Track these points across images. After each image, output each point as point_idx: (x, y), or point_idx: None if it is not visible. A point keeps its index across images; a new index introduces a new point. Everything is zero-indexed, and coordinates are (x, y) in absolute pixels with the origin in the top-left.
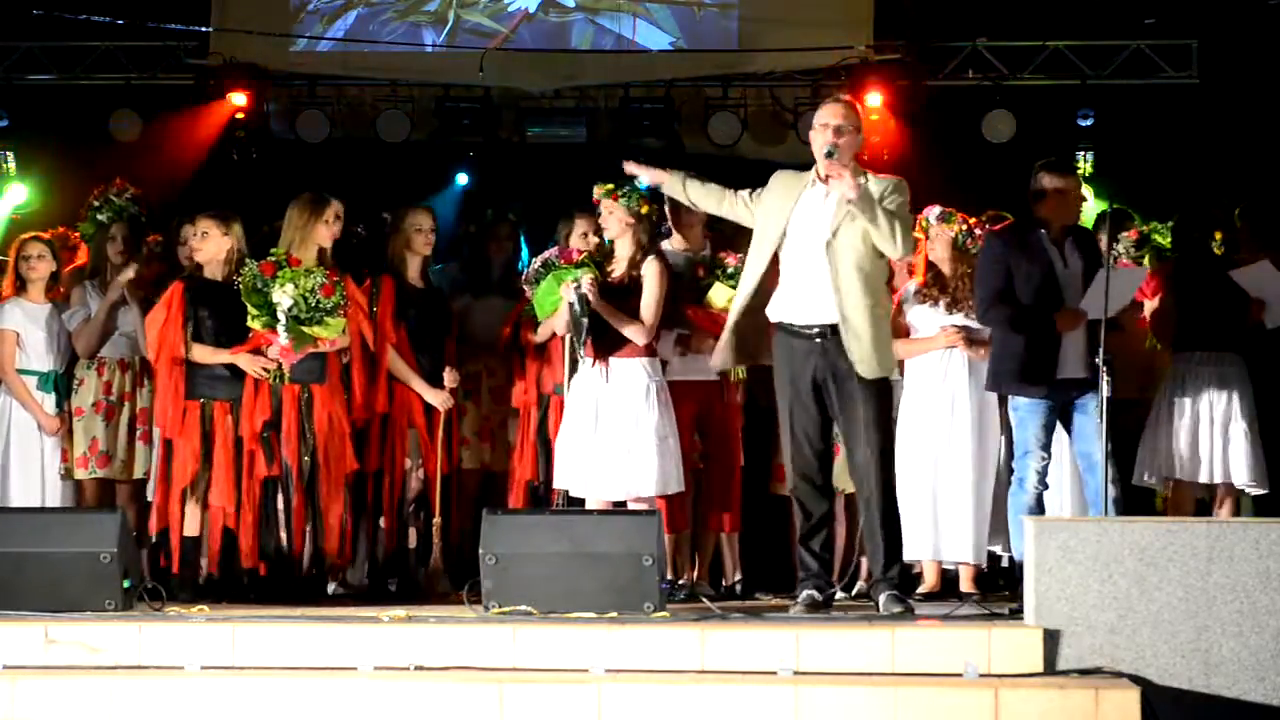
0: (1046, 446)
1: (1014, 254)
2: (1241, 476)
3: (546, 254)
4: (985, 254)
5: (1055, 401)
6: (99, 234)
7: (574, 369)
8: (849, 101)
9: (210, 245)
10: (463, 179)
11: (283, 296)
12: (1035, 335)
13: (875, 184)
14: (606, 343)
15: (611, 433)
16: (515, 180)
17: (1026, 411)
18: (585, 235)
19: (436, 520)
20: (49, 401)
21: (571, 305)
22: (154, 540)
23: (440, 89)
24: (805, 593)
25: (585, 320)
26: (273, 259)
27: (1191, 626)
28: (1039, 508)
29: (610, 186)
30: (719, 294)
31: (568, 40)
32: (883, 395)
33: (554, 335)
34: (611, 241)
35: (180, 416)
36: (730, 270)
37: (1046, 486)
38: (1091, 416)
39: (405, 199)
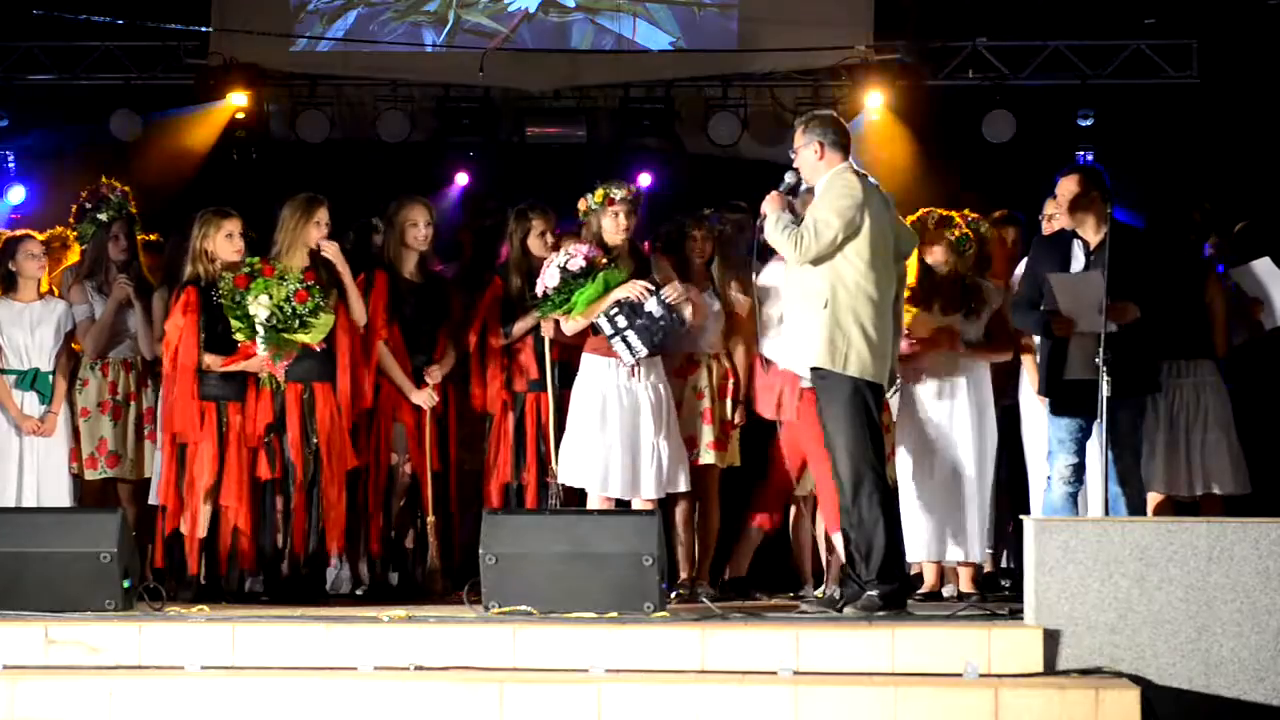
0: (1071, 446)
1: (1042, 260)
2: (1225, 485)
3: (569, 253)
4: (1026, 259)
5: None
6: (99, 233)
7: (553, 368)
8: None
9: (232, 248)
10: (463, 179)
11: (258, 308)
12: (1048, 340)
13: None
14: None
15: (646, 431)
16: (515, 180)
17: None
18: (543, 235)
19: (431, 519)
20: (29, 400)
21: (650, 312)
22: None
23: (440, 89)
24: (854, 587)
25: (670, 327)
26: (246, 269)
27: (1191, 626)
28: (1070, 507)
29: (631, 189)
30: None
31: (568, 40)
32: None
33: (525, 335)
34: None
35: (199, 420)
36: None
37: (1079, 485)
38: (1119, 425)
39: None
